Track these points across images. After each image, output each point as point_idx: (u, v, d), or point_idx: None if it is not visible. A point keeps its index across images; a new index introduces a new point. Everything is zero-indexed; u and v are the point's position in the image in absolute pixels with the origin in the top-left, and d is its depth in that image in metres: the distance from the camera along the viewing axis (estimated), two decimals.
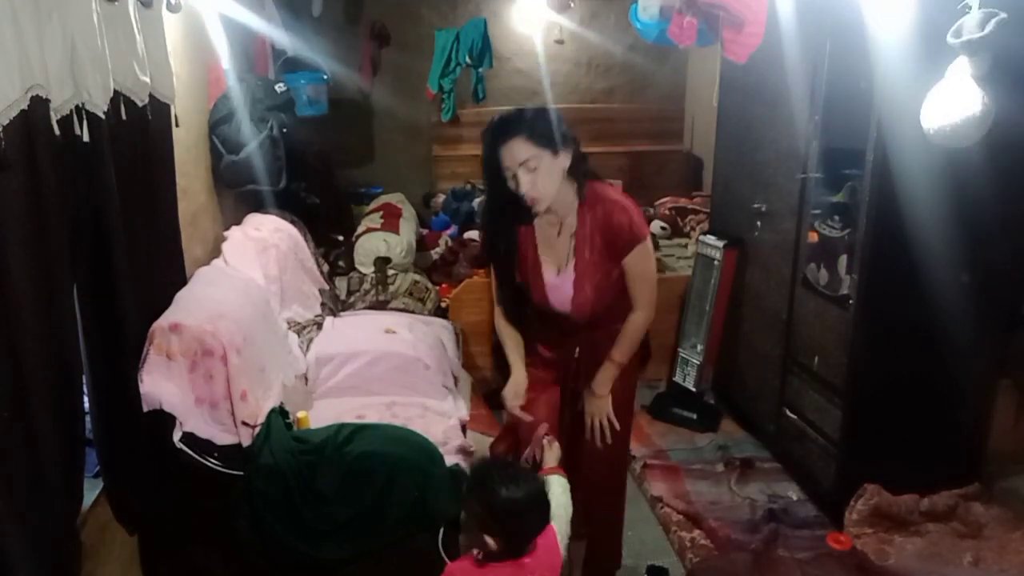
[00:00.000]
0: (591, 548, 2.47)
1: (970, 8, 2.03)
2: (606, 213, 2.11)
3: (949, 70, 2.12)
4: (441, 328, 3.54)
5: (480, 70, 5.04)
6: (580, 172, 2.11)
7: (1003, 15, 1.96)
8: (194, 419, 2.24)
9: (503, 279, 2.27)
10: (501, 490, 1.65)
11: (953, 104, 2.09)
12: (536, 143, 1.99)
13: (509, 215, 2.15)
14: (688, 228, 4.74)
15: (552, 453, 2.06)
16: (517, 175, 1.99)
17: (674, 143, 5.61)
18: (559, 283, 2.18)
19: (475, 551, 1.70)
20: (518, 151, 1.98)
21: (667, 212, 4.92)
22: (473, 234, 4.42)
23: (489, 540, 1.65)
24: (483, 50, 4.91)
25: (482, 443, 2.92)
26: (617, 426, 2.26)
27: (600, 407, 2.25)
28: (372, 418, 2.73)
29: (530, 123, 2.00)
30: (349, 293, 3.95)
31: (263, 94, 3.32)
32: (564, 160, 2.04)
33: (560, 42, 5.43)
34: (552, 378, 2.33)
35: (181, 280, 2.57)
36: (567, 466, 2.07)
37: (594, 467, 2.32)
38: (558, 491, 1.90)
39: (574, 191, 2.12)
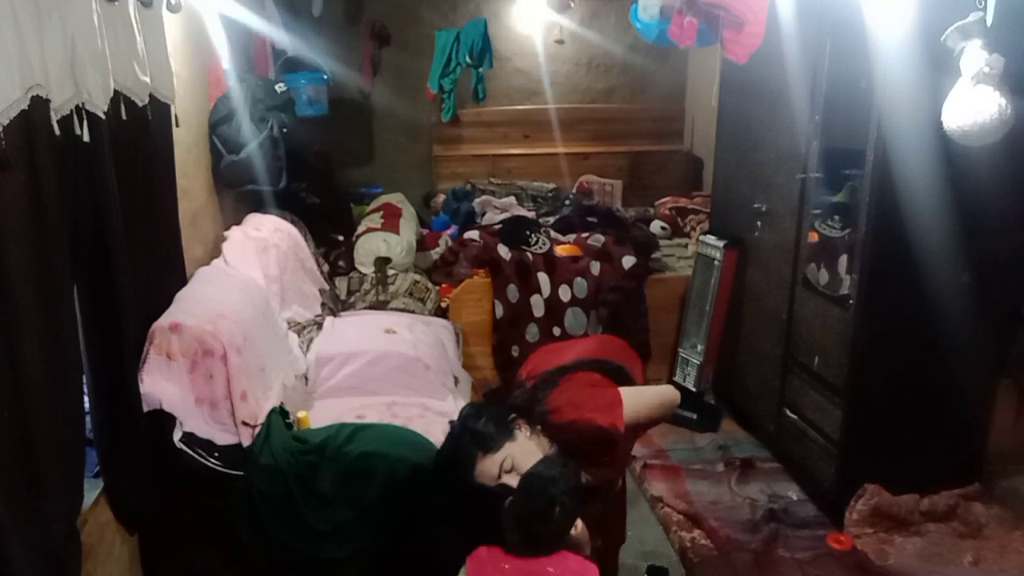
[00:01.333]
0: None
1: (982, 9, 2.02)
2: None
3: (964, 70, 2.11)
4: (441, 328, 3.53)
5: (480, 70, 5.04)
6: None
7: (981, 14, 1.97)
8: (194, 419, 2.24)
9: None
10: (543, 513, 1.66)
11: (973, 105, 2.09)
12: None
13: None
14: (688, 228, 4.74)
15: None
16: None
17: (674, 143, 5.61)
18: None
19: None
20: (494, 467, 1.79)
21: (667, 212, 4.92)
22: (473, 234, 4.42)
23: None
24: (483, 50, 4.91)
25: None
26: None
27: None
28: (372, 418, 2.73)
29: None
30: (349, 293, 3.95)
31: (263, 94, 3.32)
32: None
33: (560, 42, 5.43)
34: None
35: (181, 280, 2.57)
36: None
37: None
38: None
39: None
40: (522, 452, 1.78)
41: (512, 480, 1.75)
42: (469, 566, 1.75)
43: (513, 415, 1.86)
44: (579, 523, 1.76)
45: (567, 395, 1.88)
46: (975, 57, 2.06)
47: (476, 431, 1.82)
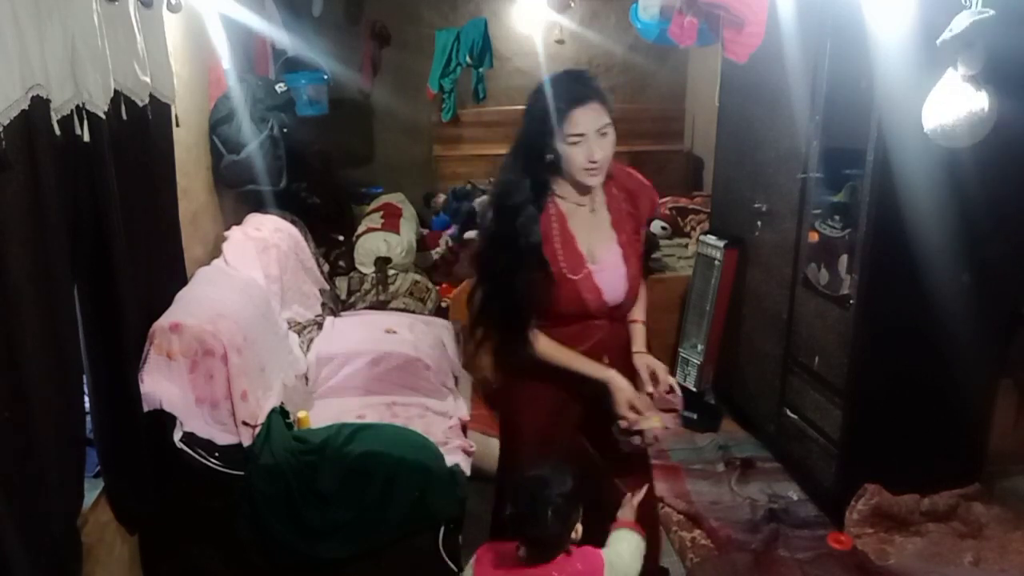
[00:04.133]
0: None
1: (969, 6, 2.03)
2: (624, 176, 2.05)
3: (947, 71, 2.12)
4: (441, 328, 3.53)
5: (480, 70, 5.04)
6: None
7: (988, 12, 1.96)
8: (194, 419, 2.24)
9: (534, 284, 1.91)
10: (537, 506, 1.68)
11: (951, 104, 2.09)
12: (607, 110, 1.87)
13: (537, 196, 1.91)
14: (688, 228, 4.74)
15: (630, 507, 1.94)
16: (591, 142, 1.84)
17: (674, 143, 5.61)
18: (605, 268, 1.98)
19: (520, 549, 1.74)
20: (597, 115, 1.85)
21: (667, 212, 4.91)
22: (473, 234, 4.42)
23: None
24: (483, 50, 4.92)
25: (483, 443, 2.93)
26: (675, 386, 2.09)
27: (656, 362, 2.09)
28: (372, 418, 2.73)
29: (598, 87, 1.88)
30: (349, 293, 3.95)
31: (263, 94, 3.32)
32: None
33: (560, 42, 5.43)
34: (571, 396, 2.10)
35: (181, 280, 2.57)
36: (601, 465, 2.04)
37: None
38: (624, 548, 1.83)
39: None
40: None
41: None
42: (476, 571, 1.77)
43: None
44: (579, 528, 1.76)
45: None
46: (962, 56, 2.05)
47: None
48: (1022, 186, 2.62)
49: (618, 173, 2.05)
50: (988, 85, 2.07)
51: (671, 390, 2.06)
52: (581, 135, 1.84)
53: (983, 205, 2.54)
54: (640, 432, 1.95)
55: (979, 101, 2.05)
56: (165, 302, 2.36)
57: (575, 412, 2.11)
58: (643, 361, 2.10)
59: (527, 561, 1.72)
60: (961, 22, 2.01)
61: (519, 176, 1.91)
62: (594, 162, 1.86)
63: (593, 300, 1.97)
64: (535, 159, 1.90)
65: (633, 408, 1.95)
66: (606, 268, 1.98)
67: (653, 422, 1.94)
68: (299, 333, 3.14)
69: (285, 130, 3.33)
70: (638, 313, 2.16)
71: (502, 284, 1.93)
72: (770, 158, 3.28)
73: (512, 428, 2.19)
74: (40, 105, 1.60)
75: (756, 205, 3.39)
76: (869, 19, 2.47)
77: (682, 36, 3.01)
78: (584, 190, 1.96)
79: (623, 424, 1.95)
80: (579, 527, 1.76)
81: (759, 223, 3.41)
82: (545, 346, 1.97)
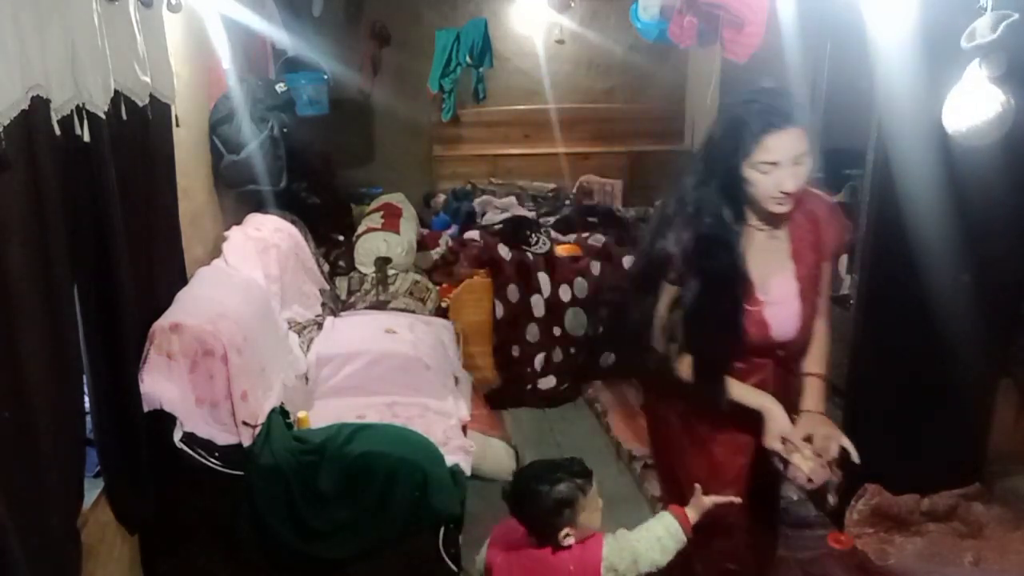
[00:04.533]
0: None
1: (985, 9, 2.02)
2: (811, 200, 1.81)
3: (967, 72, 2.11)
4: (441, 328, 3.53)
5: (480, 70, 5.04)
6: None
7: (1015, 16, 1.96)
8: (194, 419, 2.24)
9: (716, 307, 1.75)
10: (532, 484, 1.71)
11: (974, 105, 2.08)
12: (807, 134, 1.68)
13: (726, 217, 1.73)
14: None
15: (696, 503, 1.80)
16: (783, 170, 1.67)
17: (675, 143, 5.61)
18: (777, 301, 1.78)
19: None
20: (794, 142, 1.66)
21: None
22: (473, 234, 4.42)
23: None
24: (483, 50, 4.91)
25: (482, 443, 2.93)
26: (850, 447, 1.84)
27: (833, 430, 1.84)
28: (373, 418, 2.73)
29: (799, 110, 1.70)
30: (349, 293, 3.95)
31: (263, 94, 3.32)
32: None
33: (561, 42, 5.42)
34: (738, 441, 1.92)
35: (181, 280, 2.57)
36: (760, 517, 1.92)
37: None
38: (660, 530, 1.76)
39: None
40: None
41: None
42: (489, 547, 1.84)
43: None
44: (585, 521, 1.74)
45: None
46: (984, 54, 2.05)
47: None
48: (1022, 186, 2.62)
49: (804, 196, 1.80)
50: (1006, 85, 2.06)
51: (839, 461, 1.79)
52: (773, 163, 1.67)
53: (983, 205, 2.54)
54: (787, 463, 1.77)
55: (1002, 101, 2.05)
56: (165, 302, 2.35)
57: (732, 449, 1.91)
58: (813, 423, 1.83)
59: (534, 544, 1.75)
60: (986, 24, 2.00)
61: (711, 192, 1.74)
62: (785, 193, 1.69)
63: (757, 335, 1.78)
64: (722, 177, 1.73)
65: (785, 442, 1.76)
66: (778, 302, 1.78)
67: (807, 461, 1.74)
68: (299, 333, 3.14)
69: (285, 130, 3.33)
70: (814, 364, 1.90)
71: (696, 311, 1.74)
72: None
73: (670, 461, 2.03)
74: (40, 105, 1.60)
75: None
76: (869, 19, 2.47)
77: (682, 36, 3.01)
78: (767, 215, 1.77)
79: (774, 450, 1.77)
80: (580, 527, 1.73)
81: None
82: (686, 367, 1.80)
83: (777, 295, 1.78)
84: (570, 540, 1.71)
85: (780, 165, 1.66)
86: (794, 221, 1.80)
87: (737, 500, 1.81)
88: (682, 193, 1.79)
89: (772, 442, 1.77)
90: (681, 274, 1.75)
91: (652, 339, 1.83)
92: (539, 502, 1.69)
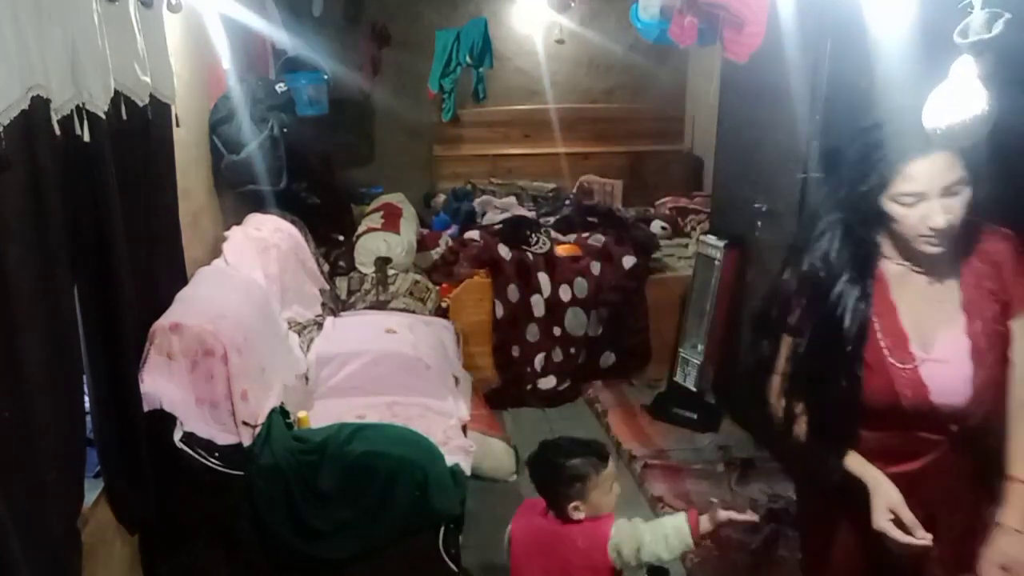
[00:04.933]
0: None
1: (972, 8, 2.02)
2: (993, 241, 1.54)
3: (952, 69, 2.11)
4: (442, 328, 3.54)
5: (481, 70, 5.04)
6: None
7: (1008, 15, 1.95)
8: (194, 419, 2.24)
9: (835, 361, 1.48)
10: (551, 453, 1.88)
11: (958, 103, 2.08)
12: (960, 160, 1.46)
13: (860, 256, 1.50)
14: (688, 228, 4.74)
15: (711, 515, 1.82)
16: (931, 203, 1.43)
17: (674, 143, 5.62)
18: (941, 360, 1.47)
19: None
20: (944, 169, 1.45)
21: (668, 212, 4.92)
22: (473, 234, 4.42)
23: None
24: (484, 50, 4.92)
25: (482, 443, 2.93)
26: None
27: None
28: (373, 418, 2.73)
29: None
30: (349, 293, 3.95)
31: (263, 94, 3.32)
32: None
33: (561, 42, 5.43)
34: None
35: (181, 280, 2.57)
36: None
37: None
38: (669, 528, 1.83)
39: None
40: None
41: None
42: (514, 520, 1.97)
43: None
44: (596, 500, 1.83)
45: None
46: (978, 52, 2.05)
47: None
48: (1020, 186, 2.62)
49: (984, 234, 1.54)
50: (991, 84, 2.06)
51: None
52: (918, 194, 1.44)
53: (982, 205, 2.53)
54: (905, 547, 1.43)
55: (984, 100, 2.05)
56: (165, 302, 2.36)
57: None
58: (1014, 547, 1.40)
59: (550, 518, 1.88)
60: (979, 22, 1.99)
61: (834, 227, 1.52)
62: (935, 230, 1.43)
63: (911, 398, 1.47)
64: (852, 211, 1.50)
65: (896, 521, 1.44)
66: (943, 360, 1.47)
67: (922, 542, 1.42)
68: (299, 333, 3.14)
69: (285, 130, 3.34)
70: (1020, 465, 1.44)
71: (811, 365, 1.52)
72: (770, 158, 3.28)
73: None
74: (40, 105, 1.60)
75: (756, 205, 3.39)
76: (869, 19, 2.47)
77: (682, 36, 3.01)
78: (923, 257, 1.50)
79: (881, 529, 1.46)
80: (591, 504, 1.83)
81: (759, 223, 3.40)
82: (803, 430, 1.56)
83: (941, 352, 1.47)
84: (579, 514, 1.82)
85: (926, 195, 1.43)
86: (968, 265, 1.52)
87: (754, 518, 1.85)
88: (809, 229, 1.58)
89: (880, 520, 1.45)
90: (800, 321, 1.54)
91: (768, 393, 1.64)
92: (554, 472, 1.83)
